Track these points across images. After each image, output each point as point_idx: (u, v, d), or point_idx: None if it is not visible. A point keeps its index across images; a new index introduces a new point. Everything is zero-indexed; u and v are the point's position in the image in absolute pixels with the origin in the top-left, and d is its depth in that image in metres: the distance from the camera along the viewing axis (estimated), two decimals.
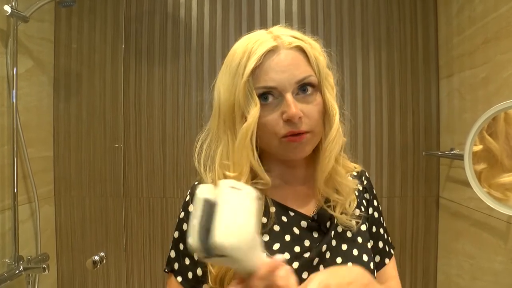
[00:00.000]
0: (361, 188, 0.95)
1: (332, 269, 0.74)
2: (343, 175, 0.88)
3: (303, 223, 0.85)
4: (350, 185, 0.89)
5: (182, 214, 0.89)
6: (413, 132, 2.09)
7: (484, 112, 1.33)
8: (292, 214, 0.86)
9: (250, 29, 2.09)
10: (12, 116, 1.76)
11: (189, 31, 2.10)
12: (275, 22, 2.09)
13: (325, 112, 0.82)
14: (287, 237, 0.84)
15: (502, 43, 1.49)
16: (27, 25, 1.85)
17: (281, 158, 0.84)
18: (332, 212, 0.86)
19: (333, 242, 0.86)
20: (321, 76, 0.82)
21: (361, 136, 2.09)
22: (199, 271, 0.85)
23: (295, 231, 0.84)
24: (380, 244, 0.96)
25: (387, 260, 0.97)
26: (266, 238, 0.83)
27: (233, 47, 0.83)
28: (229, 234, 0.57)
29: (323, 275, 0.66)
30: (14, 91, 1.75)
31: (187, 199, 0.90)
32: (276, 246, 0.83)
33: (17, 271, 1.71)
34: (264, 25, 2.10)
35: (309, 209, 0.88)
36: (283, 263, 0.64)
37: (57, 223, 2.14)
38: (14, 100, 1.75)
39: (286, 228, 0.84)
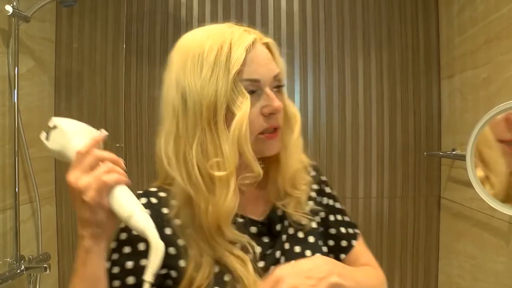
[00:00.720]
0: (309, 179, 0.93)
1: (296, 265, 0.72)
2: (302, 170, 0.89)
3: (253, 229, 0.83)
4: (308, 179, 0.90)
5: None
6: (415, 133, 2.09)
7: (485, 112, 1.33)
8: (241, 220, 0.81)
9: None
10: (14, 116, 1.76)
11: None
12: (276, 22, 2.09)
13: (284, 112, 0.83)
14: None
15: (504, 44, 1.49)
16: (28, 25, 1.85)
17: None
18: (286, 209, 0.86)
19: (286, 245, 0.84)
20: (283, 75, 0.83)
21: (362, 136, 2.09)
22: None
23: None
24: (343, 230, 0.95)
25: (354, 242, 0.96)
26: None
27: (194, 40, 0.79)
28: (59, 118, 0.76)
29: (290, 274, 0.69)
30: (16, 91, 1.75)
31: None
32: None
33: (18, 271, 1.71)
34: (265, 25, 2.10)
35: (258, 212, 0.86)
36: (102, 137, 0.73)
37: (58, 223, 2.14)
38: (16, 100, 1.75)
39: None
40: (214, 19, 2.10)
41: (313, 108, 2.09)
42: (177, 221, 0.78)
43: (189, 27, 2.09)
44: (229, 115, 0.75)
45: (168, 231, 0.78)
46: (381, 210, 2.09)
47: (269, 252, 0.82)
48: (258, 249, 0.80)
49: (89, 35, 2.14)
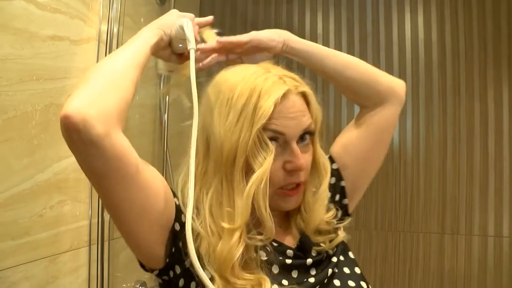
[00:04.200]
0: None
1: None
2: (325, 219, 0.85)
3: (289, 252, 0.80)
4: (331, 223, 0.86)
5: None
6: None
7: None
8: (275, 245, 0.80)
9: (388, 60, 2.08)
10: (163, 142, 1.90)
11: None
12: (414, 52, 2.05)
13: (313, 161, 0.81)
14: (275, 269, 0.77)
15: None
16: None
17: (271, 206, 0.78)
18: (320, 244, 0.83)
19: (336, 269, 0.82)
20: (317, 124, 0.81)
21: (507, 169, 1.95)
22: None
23: (282, 261, 0.78)
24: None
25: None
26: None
27: (227, 80, 0.78)
28: None
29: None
30: (166, 118, 1.90)
31: None
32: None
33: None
34: (402, 56, 2.07)
35: (290, 242, 0.84)
36: None
37: None
38: (165, 123, 1.89)
39: (272, 260, 0.78)
40: (350, 51, 2.11)
41: (453, 139, 2.00)
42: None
43: None
44: (248, 167, 0.73)
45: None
46: None
47: (313, 272, 0.79)
48: (295, 273, 0.78)
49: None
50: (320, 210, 0.82)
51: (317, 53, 0.90)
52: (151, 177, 0.73)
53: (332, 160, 0.92)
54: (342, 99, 2.11)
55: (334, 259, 0.82)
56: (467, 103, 2.00)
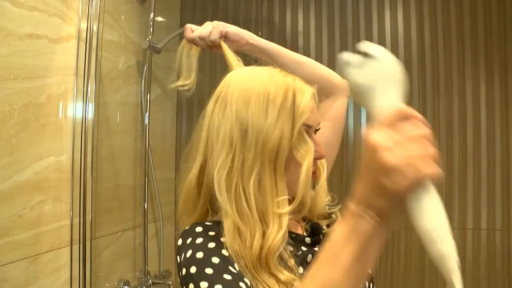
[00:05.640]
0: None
1: None
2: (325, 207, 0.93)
3: (307, 240, 0.87)
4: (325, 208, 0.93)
5: (200, 240, 0.79)
6: None
7: None
8: (294, 236, 0.85)
9: None
10: (144, 140, 1.89)
11: None
12: (394, 48, 2.07)
13: None
14: (309, 258, 0.84)
15: None
16: (156, 55, 2.00)
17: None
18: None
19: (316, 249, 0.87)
20: None
21: (484, 165, 1.98)
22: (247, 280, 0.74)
23: (312, 251, 0.85)
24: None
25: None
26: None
27: (251, 78, 0.81)
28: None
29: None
30: (147, 116, 1.89)
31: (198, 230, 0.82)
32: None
33: (145, 286, 1.82)
34: None
35: (300, 231, 0.91)
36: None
37: (176, 242, 2.24)
38: (147, 124, 1.89)
39: (304, 252, 0.85)
40: (331, 47, 2.13)
41: (432, 134, 2.03)
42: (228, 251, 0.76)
43: (306, 55, 2.13)
44: (290, 158, 0.79)
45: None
46: (507, 244, 1.96)
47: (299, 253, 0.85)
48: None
49: (209, 64, 2.25)
50: (324, 195, 0.90)
51: (275, 51, 1.04)
52: None
53: None
54: None
55: None
56: (446, 99, 2.03)
